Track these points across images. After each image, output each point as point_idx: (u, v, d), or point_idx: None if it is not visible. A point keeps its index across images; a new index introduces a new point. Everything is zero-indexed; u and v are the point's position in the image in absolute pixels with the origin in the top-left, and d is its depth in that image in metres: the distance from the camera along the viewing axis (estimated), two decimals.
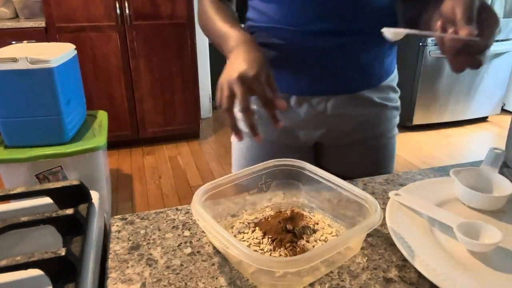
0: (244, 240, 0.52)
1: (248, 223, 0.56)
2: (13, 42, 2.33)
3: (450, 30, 0.50)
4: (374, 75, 0.78)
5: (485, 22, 0.52)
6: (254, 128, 0.57)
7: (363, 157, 0.85)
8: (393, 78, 0.83)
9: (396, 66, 0.84)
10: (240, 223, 0.56)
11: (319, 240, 0.52)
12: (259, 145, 0.84)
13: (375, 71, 0.77)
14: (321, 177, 0.57)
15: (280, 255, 0.49)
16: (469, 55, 0.52)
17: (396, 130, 0.87)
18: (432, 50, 3.12)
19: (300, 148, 0.84)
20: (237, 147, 0.88)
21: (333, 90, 0.76)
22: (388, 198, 0.58)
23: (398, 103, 0.85)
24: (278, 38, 0.73)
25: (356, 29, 0.71)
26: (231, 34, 0.67)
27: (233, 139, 0.90)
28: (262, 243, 0.51)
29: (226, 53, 0.66)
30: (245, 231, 0.54)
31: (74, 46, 1.94)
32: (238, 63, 0.58)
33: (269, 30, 0.74)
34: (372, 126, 0.82)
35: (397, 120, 0.86)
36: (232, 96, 0.56)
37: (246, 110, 0.55)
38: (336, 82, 0.75)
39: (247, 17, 0.80)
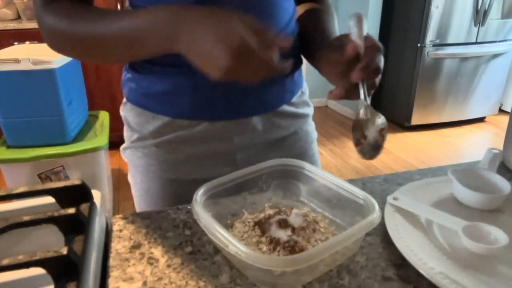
0: (244, 240, 0.53)
1: (248, 223, 0.56)
2: (16, 43, 2.34)
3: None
4: (287, 90, 0.72)
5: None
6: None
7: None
8: (305, 91, 0.79)
9: (304, 79, 0.80)
10: (240, 222, 0.57)
11: (319, 239, 0.53)
12: (158, 186, 0.71)
13: (286, 86, 0.72)
14: (320, 176, 0.57)
15: (279, 254, 0.49)
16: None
17: (315, 133, 0.82)
18: (430, 51, 3.13)
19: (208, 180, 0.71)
20: (135, 188, 0.75)
21: (256, 109, 0.70)
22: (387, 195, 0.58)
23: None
24: (178, 61, 0.58)
25: None
26: (148, 11, 0.50)
27: (130, 179, 0.76)
28: (262, 243, 0.51)
29: (157, 33, 0.49)
30: (245, 231, 0.54)
31: None
32: (218, 19, 0.46)
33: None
34: (291, 143, 0.76)
35: (312, 126, 0.81)
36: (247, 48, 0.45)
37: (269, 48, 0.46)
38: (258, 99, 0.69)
39: None
